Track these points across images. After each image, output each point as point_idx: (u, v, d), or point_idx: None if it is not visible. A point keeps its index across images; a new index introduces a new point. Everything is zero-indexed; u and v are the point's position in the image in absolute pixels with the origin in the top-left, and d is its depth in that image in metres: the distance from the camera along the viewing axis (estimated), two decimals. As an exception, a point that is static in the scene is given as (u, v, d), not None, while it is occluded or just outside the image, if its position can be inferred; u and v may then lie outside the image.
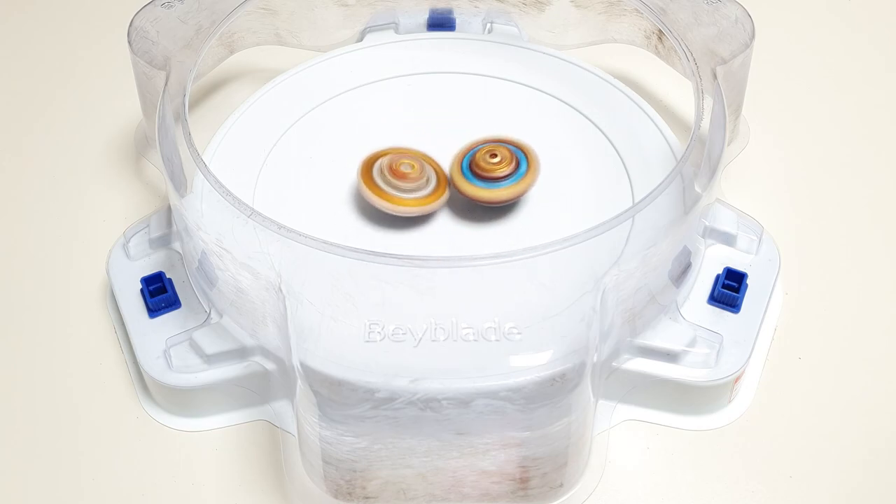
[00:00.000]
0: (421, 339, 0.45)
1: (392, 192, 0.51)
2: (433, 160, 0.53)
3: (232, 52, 0.59)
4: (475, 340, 0.45)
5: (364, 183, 0.51)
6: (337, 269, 0.45)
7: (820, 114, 0.63)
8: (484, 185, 0.51)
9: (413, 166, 0.51)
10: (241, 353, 0.49)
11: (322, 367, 0.44)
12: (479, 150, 0.52)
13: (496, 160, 0.51)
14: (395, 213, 0.51)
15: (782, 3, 0.69)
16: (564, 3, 0.59)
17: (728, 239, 0.53)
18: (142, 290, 0.51)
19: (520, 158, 0.52)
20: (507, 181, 0.51)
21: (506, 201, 0.52)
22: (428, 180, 0.52)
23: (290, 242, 0.45)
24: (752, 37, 0.54)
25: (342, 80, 0.58)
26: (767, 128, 0.61)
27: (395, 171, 0.51)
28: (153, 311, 0.51)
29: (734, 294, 0.51)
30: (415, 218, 0.52)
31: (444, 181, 0.52)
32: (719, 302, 0.51)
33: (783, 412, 0.51)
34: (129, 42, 0.54)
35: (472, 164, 0.52)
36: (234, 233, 0.47)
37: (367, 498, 0.47)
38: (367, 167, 0.52)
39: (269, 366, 0.49)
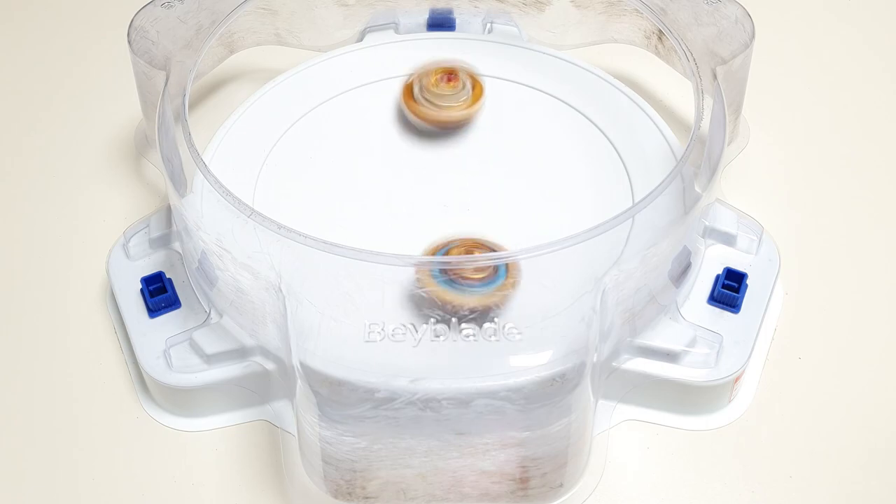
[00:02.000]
0: (421, 339, 0.45)
1: (437, 104, 0.54)
2: (462, 69, 0.56)
3: (232, 52, 0.59)
4: (475, 340, 0.45)
5: (407, 105, 0.55)
6: (337, 269, 0.45)
7: (820, 114, 0.63)
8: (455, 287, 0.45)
9: (448, 77, 0.55)
10: (241, 353, 0.49)
11: (322, 367, 0.44)
12: (451, 248, 0.47)
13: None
14: (444, 121, 0.55)
15: (782, 3, 0.69)
16: (564, 3, 0.59)
17: (728, 239, 0.53)
18: (142, 290, 0.51)
19: (498, 266, 0.46)
20: (481, 285, 0.45)
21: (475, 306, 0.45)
22: (465, 86, 0.55)
23: (290, 242, 0.45)
24: (752, 37, 0.54)
25: (342, 80, 0.58)
26: (767, 128, 0.61)
27: (435, 84, 0.55)
28: (153, 311, 0.51)
29: (734, 294, 0.51)
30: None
31: (479, 85, 0.55)
32: (719, 302, 0.51)
33: (783, 412, 0.51)
34: (129, 42, 0.54)
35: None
36: (234, 233, 0.47)
37: (367, 498, 0.47)
38: (408, 90, 0.55)
39: (269, 366, 0.49)
